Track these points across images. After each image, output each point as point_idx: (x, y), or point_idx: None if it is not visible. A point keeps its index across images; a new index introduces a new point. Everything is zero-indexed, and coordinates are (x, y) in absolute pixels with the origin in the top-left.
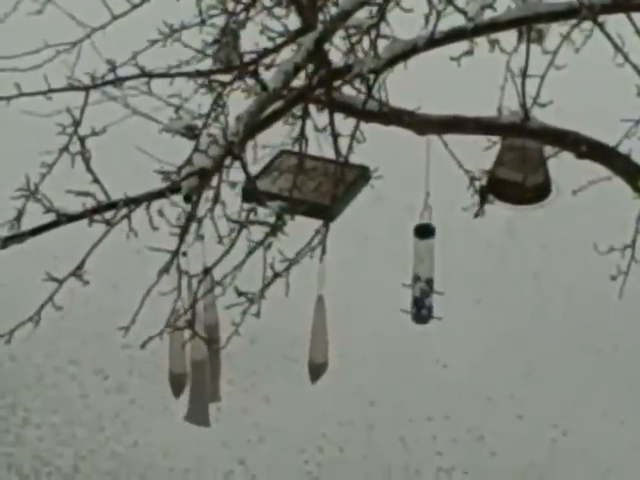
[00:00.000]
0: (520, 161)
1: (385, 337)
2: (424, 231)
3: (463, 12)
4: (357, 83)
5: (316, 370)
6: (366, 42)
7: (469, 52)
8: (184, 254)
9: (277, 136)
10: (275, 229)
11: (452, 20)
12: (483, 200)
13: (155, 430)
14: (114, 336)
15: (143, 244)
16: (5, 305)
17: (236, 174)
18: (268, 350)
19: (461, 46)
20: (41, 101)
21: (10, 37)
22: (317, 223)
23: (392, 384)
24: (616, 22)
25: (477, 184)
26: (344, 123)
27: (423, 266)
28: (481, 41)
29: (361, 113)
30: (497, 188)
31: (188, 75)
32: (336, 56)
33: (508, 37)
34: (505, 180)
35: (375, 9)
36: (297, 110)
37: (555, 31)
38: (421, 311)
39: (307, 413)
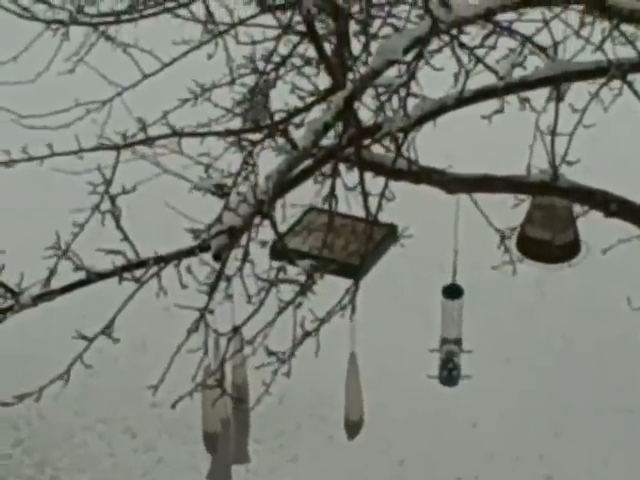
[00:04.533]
0: (549, 219)
1: (414, 396)
2: (452, 291)
3: (494, 71)
4: (386, 142)
5: (353, 427)
6: (395, 101)
7: (500, 110)
8: (212, 312)
9: (306, 194)
10: (305, 288)
11: (480, 79)
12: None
13: None
14: (143, 394)
15: (172, 302)
16: (35, 363)
17: (265, 232)
18: (296, 409)
19: (489, 104)
20: (72, 159)
21: (42, 96)
22: (346, 281)
23: (422, 443)
24: None
25: (507, 242)
26: (373, 182)
27: (451, 327)
28: (510, 99)
29: (390, 172)
30: (526, 246)
31: (218, 134)
32: (365, 115)
33: (536, 95)
34: (534, 238)
35: (404, 68)
36: (326, 169)
37: (584, 89)
38: (451, 373)
39: (336, 472)
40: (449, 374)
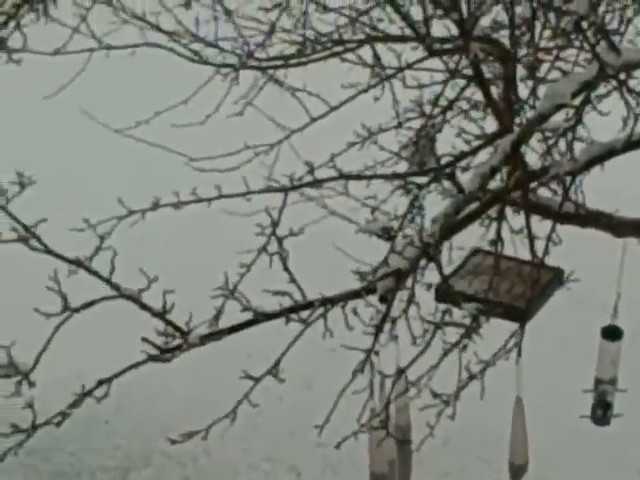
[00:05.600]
0: None
1: (578, 441)
2: (611, 332)
3: None
4: (554, 185)
5: (516, 471)
6: (562, 144)
7: None
8: (377, 353)
9: (471, 237)
10: (470, 330)
11: None
12: None
13: None
14: (308, 434)
15: (338, 343)
16: (201, 403)
17: (430, 275)
18: (461, 451)
19: None
20: (240, 201)
21: (211, 139)
22: (511, 324)
23: None
24: None
25: None
26: (539, 225)
27: (608, 367)
28: None
29: (557, 215)
30: None
31: (385, 177)
32: (532, 158)
33: None
34: None
35: (572, 112)
36: (493, 212)
37: None
38: (606, 412)
39: None
40: (603, 414)
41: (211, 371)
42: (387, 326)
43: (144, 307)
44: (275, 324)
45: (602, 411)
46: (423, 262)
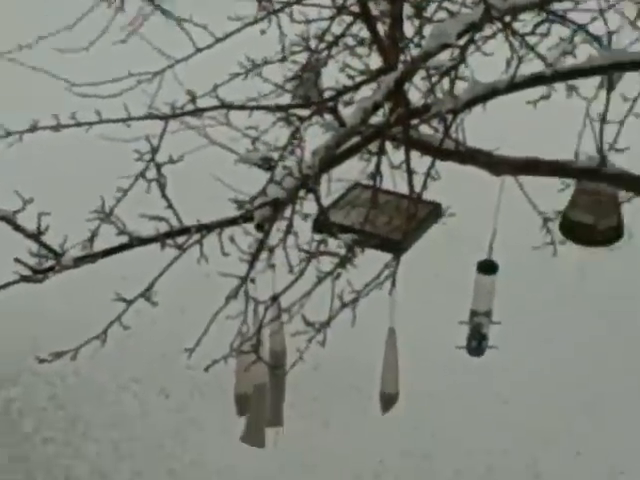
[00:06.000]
0: (594, 204)
1: (448, 370)
2: (487, 267)
3: (543, 58)
4: (435, 123)
5: (387, 401)
6: (445, 83)
7: (545, 97)
8: (252, 281)
9: (351, 170)
10: (345, 261)
11: (533, 65)
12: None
13: (213, 450)
14: (178, 358)
15: (213, 269)
16: (73, 323)
17: (309, 206)
18: (331, 378)
19: (541, 91)
20: (120, 127)
21: (94, 65)
22: (387, 256)
23: (453, 417)
24: None
25: (549, 225)
26: (420, 161)
27: (482, 300)
28: (561, 87)
29: (437, 152)
30: (569, 229)
31: (267, 108)
32: (415, 96)
33: (588, 83)
34: (578, 222)
35: (457, 51)
36: (373, 146)
37: (636, 79)
38: (480, 343)
39: (366, 441)
40: (478, 344)
41: (85, 293)
42: (264, 255)
43: (18, 228)
44: (151, 249)
45: (477, 342)
46: (302, 193)
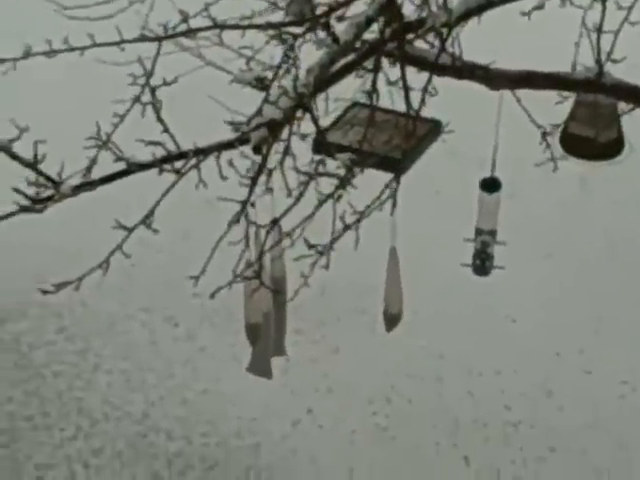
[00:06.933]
0: (593, 117)
1: (455, 291)
2: (490, 185)
3: None
4: (431, 37)
5: (391, 320)
6: None
7: (539, 7)
8: (252, 205)
9: (349, 89)
10: (344, 181)
11: None
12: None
13: (224, 378)
14: (185, 285)
15: (213, 194)
16: (77, 253)
17: (307, 126)
18: (337, 301)
19: (535, 1)
20: (114, 51)
21: None
22: (387, 176)
23: (462, 338)
24: None
25: (549, 139)
26: (417, 77)
27: (487, 218)
28: None
29: (434, 67)
30: (570, 143)
31: (260, 27)
32: (409, 10)
33: None
34: (578, 136)
35: None
36: (369, 63)
37: None
38: (485, 263)
39: (376, 365)
40: (482, 264)
41: (87, 221)
42: (263, 178)
43: (14, 157)
44: (153, 175)
45: (481, 261)
46: (299, 113)
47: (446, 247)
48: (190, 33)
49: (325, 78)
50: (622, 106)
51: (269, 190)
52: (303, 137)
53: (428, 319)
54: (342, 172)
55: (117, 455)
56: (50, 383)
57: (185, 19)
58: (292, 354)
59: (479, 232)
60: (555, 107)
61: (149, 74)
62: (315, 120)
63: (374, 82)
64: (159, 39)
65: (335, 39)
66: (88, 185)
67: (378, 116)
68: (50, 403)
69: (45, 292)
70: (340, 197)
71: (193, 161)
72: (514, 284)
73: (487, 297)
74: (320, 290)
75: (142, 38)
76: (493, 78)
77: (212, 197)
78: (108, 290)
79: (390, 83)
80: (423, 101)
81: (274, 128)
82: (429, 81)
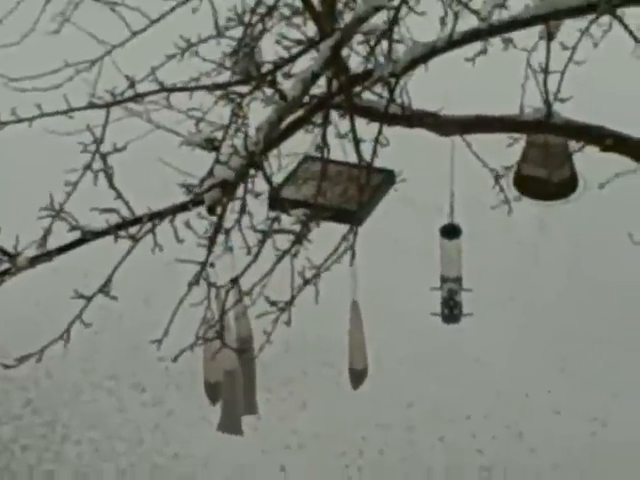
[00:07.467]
0: (544, 157)
1: (420, 338)
2: (450, 231)
3: (476, 13)
4: (379, 88)
5: (357, 376)
6: (385, 46)
7: (483, 52)
8: (212, 265)
9: (303, 143)
10: (300, 237)
11: (470, 21)
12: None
13: (194, 441)
14: (149, 349)
15: (172, 257)
16: (39, 323)
17: (261, 184)
18: (303, 356)
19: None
20: (63, 120)
21: (29, 58)
22: (345, 228)
23: (429, 385)
24: (635, 15)
25: (502, 181)
26: (367, 128)
27: (451, 266)
28: (497, 41)
29: (383, 117)
30: (523, 185)
31: (207, 88)
32: (355, 61)
33: (527, 34)
34: (531, 177)
35: (391, 13)
36: (318, 118)
37: (573, 27)
38: (453, 311)
39: (345, 417)
40: (451, 312)
41: (47, 293)
42: (221, 237)
43: None
44: (109, 242)
45: (449, 309)
46: (252, 171)
47: (408, 295)
48: (138, 98)
49: (275, 135)
50: (573, 144)
51: (229, 249)
52: (256, 195)
53: (395, 368)
54: (297, 228)
55: None
56: (19, 458)
57: (132, 84)
58: (262, 412)
59: (444, 280)
60: (507, 149)
61: (99, 141)
62: (267, 177)
63: (324, 136)
64: (107, 105)
65: (282, 96)
66: (45, 256)
67: (331, 169)
68: (21, 477)
69: (7, 366)
70: (297, 253)
71: (148, 226)
72: (480, 328)
73: (452, 342)
74: (285, 346)
75: (90, 105)
76: (443, 124)
77: (171, 260)
78: (73, 360)
79: (340, 136)
80: (375, 152)
81: (227, 188)
82: (380, 132)
